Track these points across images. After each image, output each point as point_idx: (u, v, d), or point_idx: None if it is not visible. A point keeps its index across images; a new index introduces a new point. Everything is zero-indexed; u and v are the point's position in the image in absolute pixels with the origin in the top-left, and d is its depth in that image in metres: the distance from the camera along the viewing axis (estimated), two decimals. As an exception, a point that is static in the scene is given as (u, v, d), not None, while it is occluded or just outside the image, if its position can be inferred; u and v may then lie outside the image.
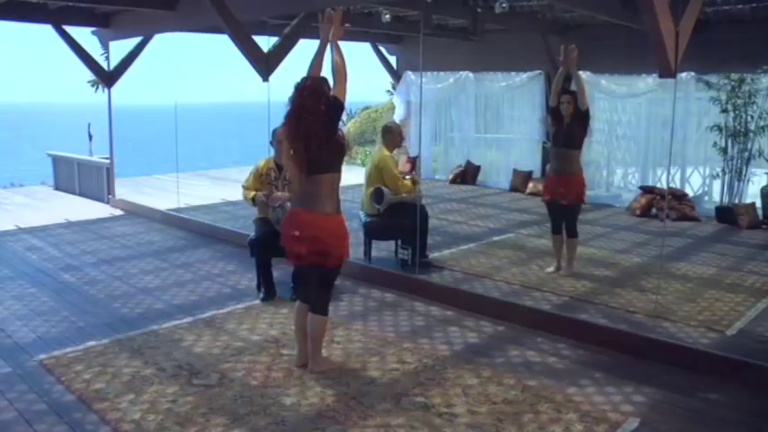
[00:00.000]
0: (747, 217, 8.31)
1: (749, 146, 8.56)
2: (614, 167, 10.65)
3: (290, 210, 4.02)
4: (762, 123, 8.42)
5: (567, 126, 5.84)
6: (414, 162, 7.47)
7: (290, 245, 3.83)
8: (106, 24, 9.19)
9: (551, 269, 6.10)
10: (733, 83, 8.37)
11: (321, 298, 3.88)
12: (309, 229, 3.71)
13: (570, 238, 6.02)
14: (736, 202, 8.61)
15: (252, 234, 5.46)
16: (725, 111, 8.52)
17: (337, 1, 7.88)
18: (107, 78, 9.55)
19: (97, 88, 13.26)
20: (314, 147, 3.64)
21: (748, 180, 8.75)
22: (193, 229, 8.08)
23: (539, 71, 10.83)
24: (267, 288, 5.31)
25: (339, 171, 3.81)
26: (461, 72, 11.89)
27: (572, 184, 5.87)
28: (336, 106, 3.70)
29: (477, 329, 4.73)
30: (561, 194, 5.88)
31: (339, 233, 3.81)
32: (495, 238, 7.64)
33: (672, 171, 9.46)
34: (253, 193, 5.27)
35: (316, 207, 3.72)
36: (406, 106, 12.77)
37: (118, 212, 9.38)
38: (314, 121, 3.63)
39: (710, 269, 6.35)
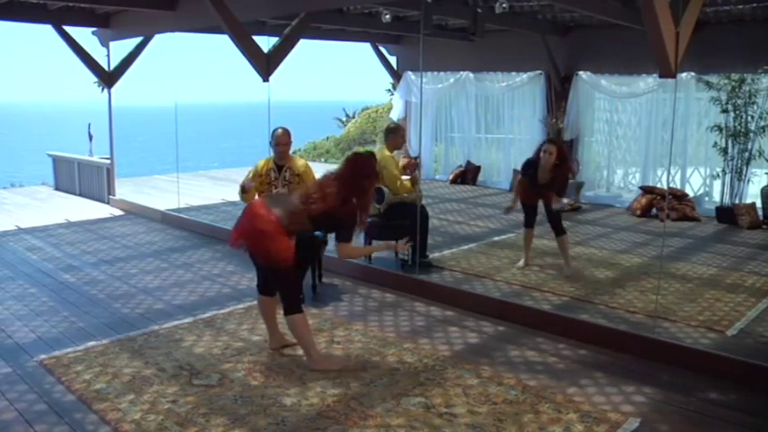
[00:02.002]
0: (748, 217, 8.31)
1: (749, 146, 8.55)
2: (615, 167, 10.66)
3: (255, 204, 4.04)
4: (762, 123, 8.41)
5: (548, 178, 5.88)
6: (414, 162, 7.46)
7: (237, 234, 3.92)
8: (106, 24, 9.19)
9: (521, 263, 6.25)
10: (733, 83, 8.36)
11: (286, 297, 3.94)
12: (258, 224, 3.79)
13: (558, 236, 6.04)
14: (737, 202, 8.60)
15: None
16: (725, 111, 8.52)
17: (337, 1, 7.92)
18: (107, 78, 9.55)
19: (103, 89, 13.26)
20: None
21: (748, 180, 8.75)
22: (194, 230, 8.08)
23: (539, 71, 10.83)
24: (267, 288, 5.30)
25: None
26: (461, 72, 11.90)
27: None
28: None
29: (477, 329, 4.73)
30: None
31: (275, 238, 3.81)
32: (496, 239, 7.64)
33: (672, 171, 9.46)
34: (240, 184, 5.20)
35: (276, 211, 3.81)
36: (405, 106, 12.77)
37: (118, 213, 9.39)
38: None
39: (711, 269, 6.35)
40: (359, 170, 3.92)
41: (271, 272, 3.97)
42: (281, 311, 4.01)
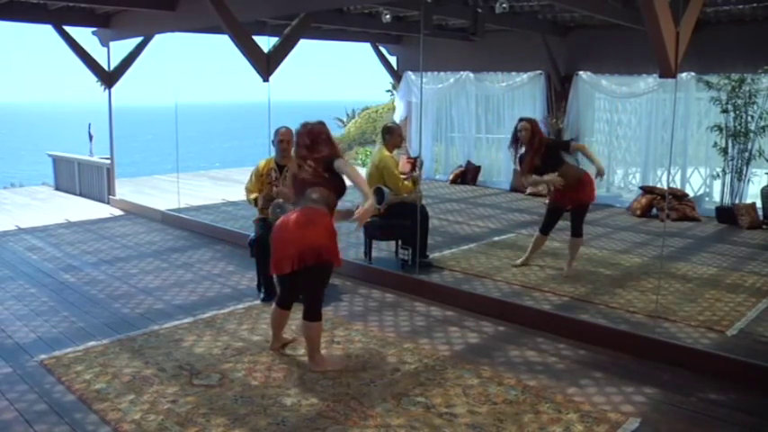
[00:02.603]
0: (748, 217, 8.31)
1: (749, 146, 8.55)
2: (615, 167, 10.65)
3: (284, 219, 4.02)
4: (762, 123, 8.41)
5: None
6: (414, 162, 7.47)
7: (282, 251, 3.83)
8: (106, 24, 9.19)
9: (519, 261, 6.23)
10: (733, 83, 8.36)
11: (315, 302, 3.92)
12: (303, 227, 3.78)
13: (575, 237, 6.00)
14: (737, 202, 8.60)
15: (252, 234, 5.46)
16: (725, 111, 8.52)
17: (337, 1, 7.92)
18: (107, 78, 9.55)
19: (105, 88, 13.24)
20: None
21: (749, 180, 8.75)
22: (194, 230, 8.08)
23: (539, 71, 10.83)
24: (267, 288, 5.30)
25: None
26: (462, 72, 11.90)
27: (581, 186, 5.84)
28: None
29: (477, 330, 4.73)
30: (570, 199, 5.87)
31: (330, 231, 3.88)
32: (496, 239, 7.64)
33: (672, 171, 9.46)
34: (254, 195, 5.27)
35: (310, 206, 3.88)
36: (406, 106, 12.77)
37: (118, 213, 9.39)
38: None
39: (711, 269, 6.35)
40: (316, 136, 3.98)
41: (312, 273, 3.84)
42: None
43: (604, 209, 9.59)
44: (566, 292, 5.48)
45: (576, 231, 5.97)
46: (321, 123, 4.13)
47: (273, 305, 4.18)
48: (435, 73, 12.26)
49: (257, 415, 3.37)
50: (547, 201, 6.22)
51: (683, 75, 8.98)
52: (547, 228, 6.09)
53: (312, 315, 3.90)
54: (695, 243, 7.61)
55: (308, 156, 3.99)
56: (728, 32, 8.52)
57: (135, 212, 9.30)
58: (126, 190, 10.47)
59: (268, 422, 3.30)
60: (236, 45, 6.81)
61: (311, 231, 3.76)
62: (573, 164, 6.18)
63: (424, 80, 11.87)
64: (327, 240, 3.81)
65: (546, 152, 5.79)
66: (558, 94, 10.52)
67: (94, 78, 9.54)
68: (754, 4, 7.76)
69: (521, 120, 5.93)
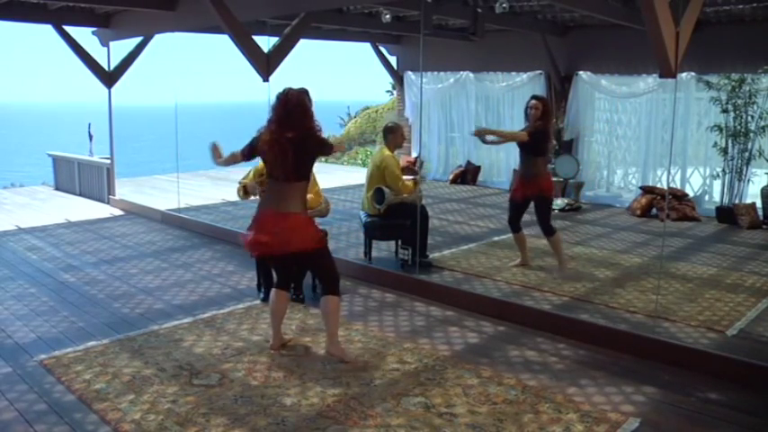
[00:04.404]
0: (748, 217, 8.31)
1: (749, 146, 8.55)
2: (614, 167, 10.65)
3: (262, 212, 4.08)
4: (762, 123, 8.41)
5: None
6: (414, 162, 7.47)
7: (262, 245, 4.01)
8: (106, 24, 9.19)
9: (514, 262, 6.26)
10: (733, 83, 8.36)
11: (332, 278, 4.07)
12: (282, 233, 3.90)
13: (548, 236, 5.94)
14: (737, 202, 8.60)
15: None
16: (725, 111, 8.51)
17: (337, 1, 7.92)
18: (107, 78, 9.55)
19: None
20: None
21: (749, 180, 8.75)
22: (193, 229, 8.08)
23: (539, 71, 10.83)
24: (267, 288, 5.29)
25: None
26: (462, 72, 11.90)
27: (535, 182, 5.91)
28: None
29: (477, 329, 4.73)
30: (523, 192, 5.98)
31: (305, 228, 4.00)
32: (496, 239, 7.63)
33: (672, 171, 9.46)
34: (242, 183, 5.17)
35: (288, 209, 3.95)
36: (411, 108, 12.78)
37: (118, 212, 9.39)
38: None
39: (711, 269, 6.35)
40: (293, 107, 3.86)
41: (309, 258, 4.04)
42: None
43: (604, 209, 9.60)
44: (566, 292, 5.48)
45: (546, 231, 5.93)
46: (303, 91, 3.93)
47: (272, 292, 4.24)
48: (435, 73, 12.26)
49: (257, 415, 3.37)
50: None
51: (683, 75, 8.98)
52: (510, 222, 6.15)
53: (332, 288, 4.04)
54: (695, 243, 7.61)
55: (279, 132, 3.85)
56: (728, 32, 8.52)
57: (135, 212, 9.29)
58: (126, 190, 10.46)
59: (268, 422, 3.30)
60: (236, 45, 6.81)
61: (296, 239, 3.93)
62: (546, 163, 6.25)
63: (424, 80, 11.87)
64: (311, 242, 3.98)
65: (541, 136, 5.85)
66: (558, 93, 10.52)
67: (94, 78, 9.53)
68: (754, 4, 7.75)
69: (534, 97, 5.99)
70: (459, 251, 6.98)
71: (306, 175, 4.00)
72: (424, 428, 3.25)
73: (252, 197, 5.03)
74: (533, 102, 5.89)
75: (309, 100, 3.94)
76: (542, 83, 10.82)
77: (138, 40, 9.45)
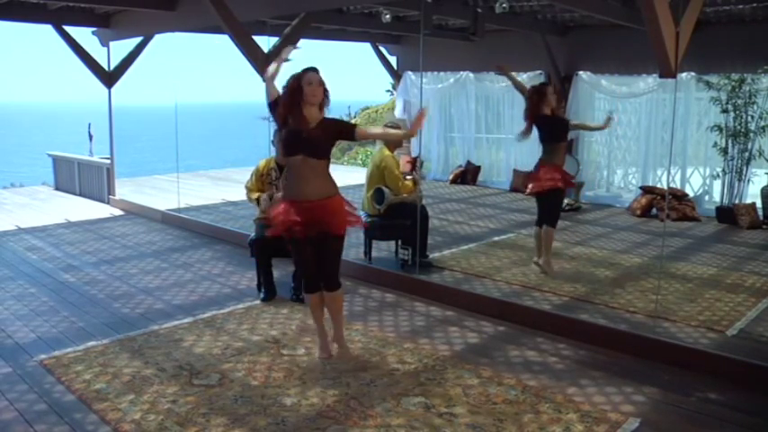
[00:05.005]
0: (748, 217, 8.31)
1: (749, 146, 8.55)
2: (614, 167, 10.65)
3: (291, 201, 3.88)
4: (762, 123, 8.41)
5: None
6: (414, 162, 7.48)
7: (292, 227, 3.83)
8: (106, 24, 9.19)
9: (537, 260, 6.10)
10: (733, 83, 8.36)
11: (337, 271, 4.04)
12: (319, 215, 3.81)
13: (549, 226, 5.91)
14: (737, 202, 8.60)
15: (252, 234, 5.46)
16: (725, 111, 8.52)
17: (337, 1, 7.92)
18: (107, 78, 9.55)
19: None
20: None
21: (749, 180, 8.75)
22: (193, 229, 8.08)
23: (539, 71, 10.82)
24: (267, 288, 5.31)
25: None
26: (462, 72, 11.90)
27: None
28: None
29: (477, 329, 4.73)
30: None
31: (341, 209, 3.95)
32: (496, 239, 7.64)
33: (672, 171, 9.46)
34: (256, 194, 5.24)
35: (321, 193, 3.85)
36: (405, 107, 12.77)
37: (118, 212, 9.39)
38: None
39: (711, 269, 6.35)
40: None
41: (334, 242, 3.94)
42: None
43: (604, 209, 9.60)
44: (566, 292, 5.48)
45: (554, 222, 5.91)
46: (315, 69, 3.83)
47: (307, 298, 4.15)
48: (435, 73, 12.25)
49: (257, 415, 3.37)
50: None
51: (683, 75, 8.98)
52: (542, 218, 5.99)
53: (338, 283, 4.03)
54: (695, 243, 7.61)
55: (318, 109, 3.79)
56: (728, 32, 8.51)
57: (135, 212, 9.30)
58: (126, 190, 10.47)
59: (268, 422, 3.30)
60: (236, 45, 6.81)
61: (337, 220, 3.89)
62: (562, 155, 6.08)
63: (424, 80, 11.87)
64: (345, 222, 3.95)
65: (557, 121, 5.95)
66: (558, 93, 10.51)
67: (93, 78, 9.53)
68: (754, 4, 7.75)
69: (547, 84, 6.13)
70: (459, 251, 6.98)
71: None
72: (424, 428, 3.25)
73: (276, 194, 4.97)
74: (549, 87, 6.03)
75: (293, 81, 3.79)
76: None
77: (137, 40, 9.46)
